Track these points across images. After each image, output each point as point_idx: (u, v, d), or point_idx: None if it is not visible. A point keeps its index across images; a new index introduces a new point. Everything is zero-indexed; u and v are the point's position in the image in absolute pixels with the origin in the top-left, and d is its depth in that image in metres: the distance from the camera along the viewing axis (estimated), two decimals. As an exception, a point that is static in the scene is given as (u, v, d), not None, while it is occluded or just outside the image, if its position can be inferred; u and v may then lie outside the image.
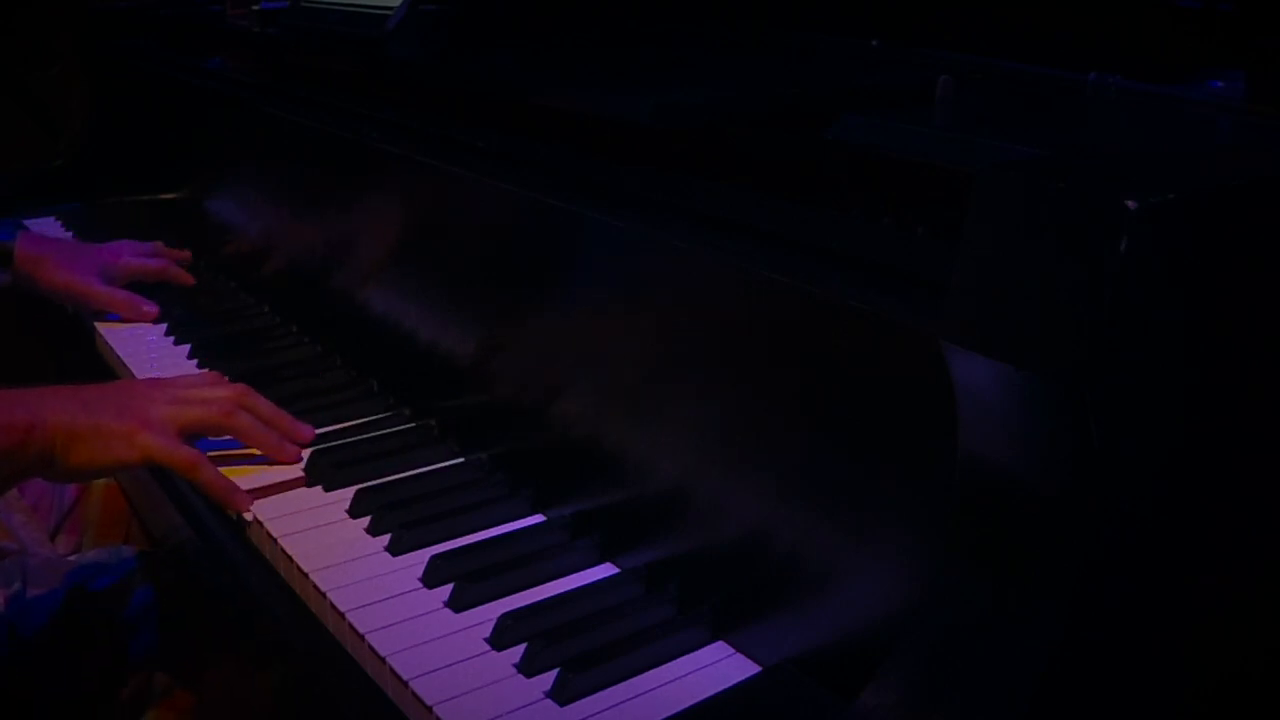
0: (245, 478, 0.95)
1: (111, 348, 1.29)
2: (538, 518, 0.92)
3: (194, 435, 0.96)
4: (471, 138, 1.06)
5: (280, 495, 0.95)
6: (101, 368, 1.31)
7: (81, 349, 1.37)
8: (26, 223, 1.77)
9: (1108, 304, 0.53)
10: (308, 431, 1.02)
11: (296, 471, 0.97)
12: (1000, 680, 0.56)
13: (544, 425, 0.95)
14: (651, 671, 0.74)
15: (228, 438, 0.98)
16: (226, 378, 1.04)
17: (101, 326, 1.35)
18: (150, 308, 1.35)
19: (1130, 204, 0.52)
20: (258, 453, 0.98)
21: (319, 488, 0.96)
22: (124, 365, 1.24)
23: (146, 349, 1.28)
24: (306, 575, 0.84)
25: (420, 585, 0.83)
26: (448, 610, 0.80)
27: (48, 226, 1.77)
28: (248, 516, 0.92)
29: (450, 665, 0.74)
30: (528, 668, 0.74)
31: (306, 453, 1.00)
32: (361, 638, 0.77)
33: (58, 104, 2.26)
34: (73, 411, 0.91)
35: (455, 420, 1.05)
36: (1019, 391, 0.56)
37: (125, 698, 0.98)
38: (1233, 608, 0.65)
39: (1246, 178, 0.62)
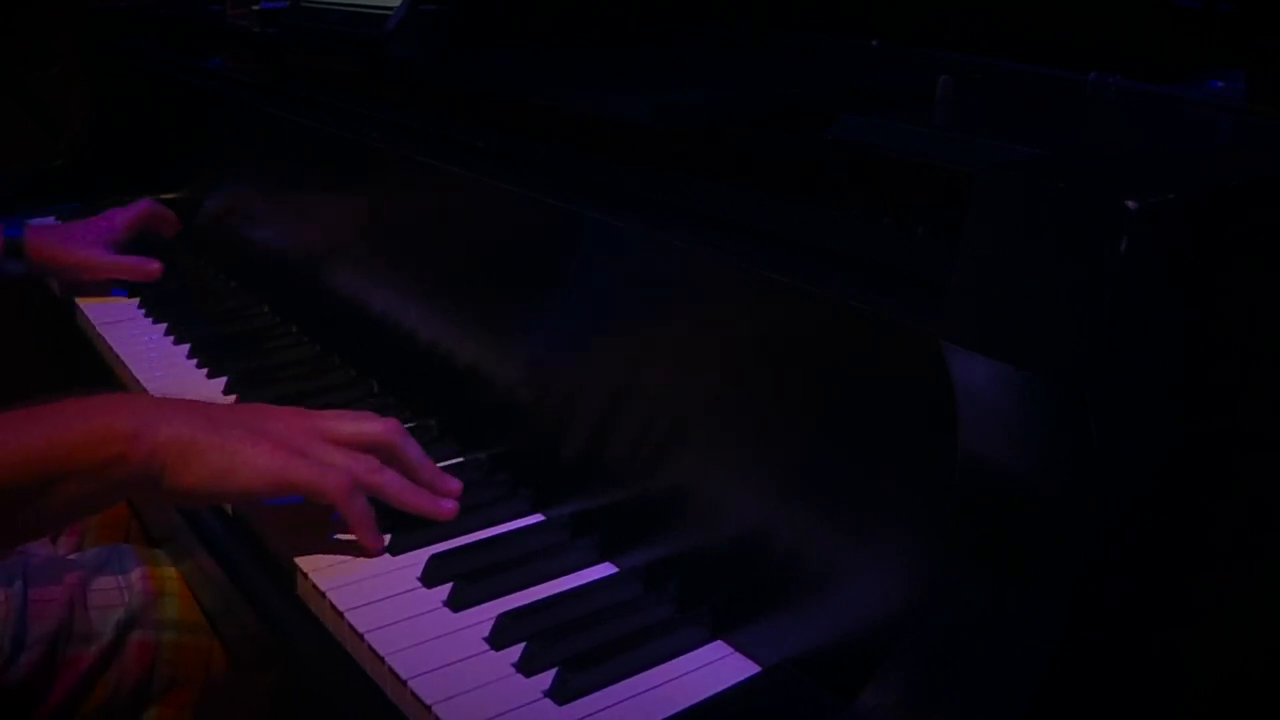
0: None
1: (111, 347, 1.29)
2: (537, 517, 0.92)
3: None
4: (471, 138, 1.06)
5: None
6: (100, 367, 1.31)
7: (77, 348, 1.38)
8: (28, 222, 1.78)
9: (1108, 304, 0.53)
10: (455, 484, 0.91)
11: None
12: (1000, 680, 0.56)
13: (543, 425, 0.95)
14: (651, 671, 0.74)
15: None
16: (375, 415, 0.91)
17: (100, 326, 1.36)
18: (154, 265, 1.47)
19: (1130, 204, 0.52)
20: None
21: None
22: (122, 364, 1.24)
23: (146, 348, 1.29)
24: (306, 575, 0.84)
25: (419, 585, 0.83)
26: (446, 610, 0.80)
27: (48, 226, 1.77)
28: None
29: (449, 665, 0.74)
30: (527, 667, 0.74)
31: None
32: (360, 637, 0.77)
33: (58, 104, 2.26)
34: (191, 424, 0.81)
35: (455, 420, 1.05)
36: (1019, 391, 0.56)
37: (124, 696, 0.98)
38: (1233, 608, 0.65)
39: (1246, 178, 0.62)
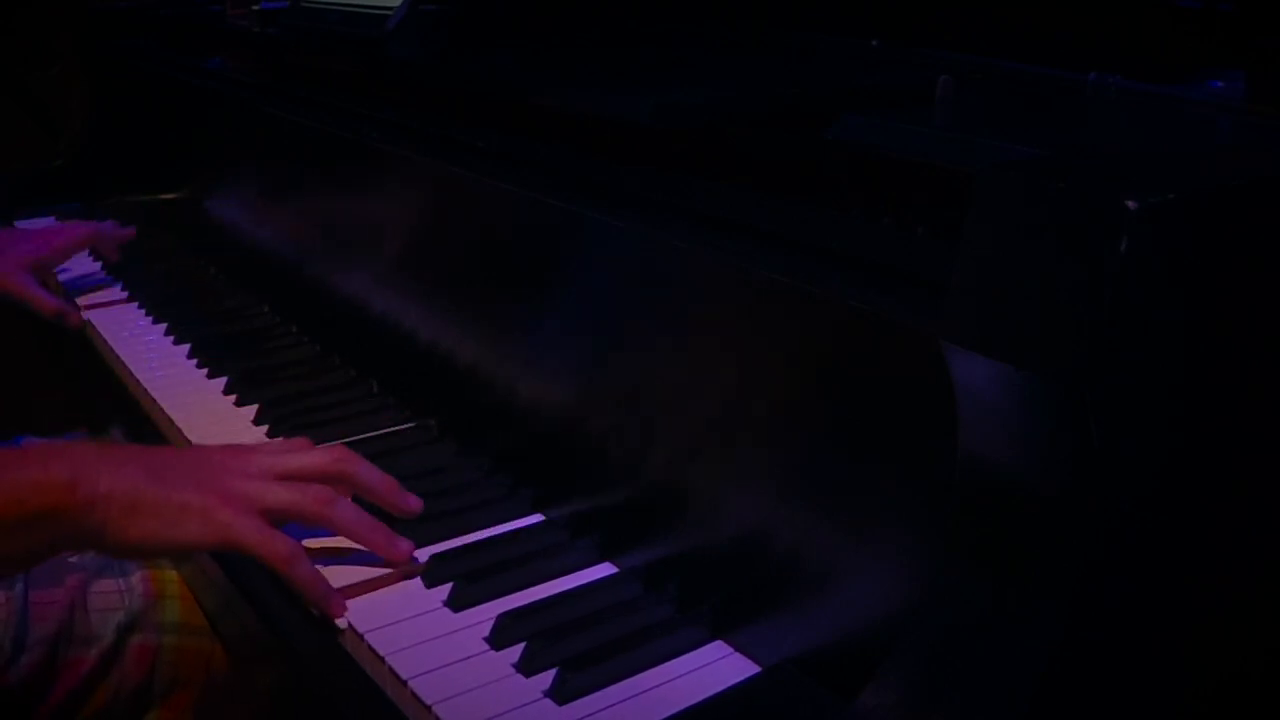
0: None
1: (111, 347, 1.29)
2: (537, 517, 0.92)
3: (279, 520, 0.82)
4: (471, 138, 1.06)
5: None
6: (100, 367, 1.31)
7: (77, 349, 1.38)
8: (26, 223, 1.78)
9: (1108, 304, 0.53)
10: (415, 502, 0.88)
11: None
12: (1000, 680, 0.56)
13: (543, 425, 0.95)
14: (650, 671, 0.74)
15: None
16: (312, 442, 0.89)
17: (100, 326, 1.35)
18: (75, 318, 1.36)
19: (1130, 204, 0.52)
20: None
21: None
22: (122, 364, 1.24)
23: (145, 348, 1.29)
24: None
25: (419, 585, 0.83)
26: (447, 610, 0.80)
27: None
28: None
29: (449, 665, 0.74)
30: (527, 667, 0.74)
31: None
32: (360, 637, 0.77)
33: (58, 104, 2.27)
34: (133, 476, 0.77)
35: (454, 420, 1.05)
36: (1019, 391, 0.56)
37: (125, 698, 0.98)
38: (1233, 608, 0.65)
39: (1246, 178, 0.62)
